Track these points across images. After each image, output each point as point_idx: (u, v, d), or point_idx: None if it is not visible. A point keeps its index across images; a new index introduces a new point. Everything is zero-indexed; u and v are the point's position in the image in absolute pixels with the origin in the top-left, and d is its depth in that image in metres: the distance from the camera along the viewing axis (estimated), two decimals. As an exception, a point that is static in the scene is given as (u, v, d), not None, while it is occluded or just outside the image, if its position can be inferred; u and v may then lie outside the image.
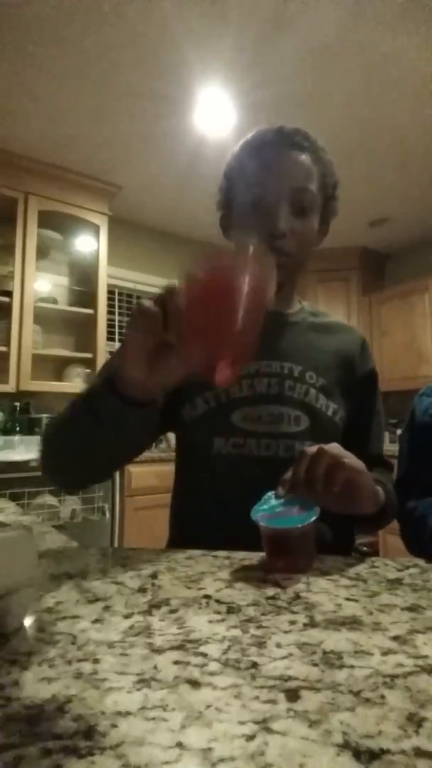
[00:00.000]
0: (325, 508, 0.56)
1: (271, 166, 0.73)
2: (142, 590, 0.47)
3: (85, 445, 0.60)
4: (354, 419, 0.81)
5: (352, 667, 0.32)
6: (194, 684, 0.30)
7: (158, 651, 0.34)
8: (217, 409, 0.74)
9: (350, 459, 0.57)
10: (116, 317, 3.22)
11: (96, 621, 0.39)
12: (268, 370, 0.75)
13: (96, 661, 0.33)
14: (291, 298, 0.86)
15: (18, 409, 2.49)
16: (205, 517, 0.72)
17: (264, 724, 0.25)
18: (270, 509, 0.55)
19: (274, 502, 0.56)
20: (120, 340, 0.76)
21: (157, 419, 0.61)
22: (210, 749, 0.23)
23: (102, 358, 2.71)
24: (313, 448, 0.56)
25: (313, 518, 0.52)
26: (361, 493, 0.59)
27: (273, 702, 0.28)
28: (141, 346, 0.50)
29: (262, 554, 0.57)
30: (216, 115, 2.20)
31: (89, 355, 2.72)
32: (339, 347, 0.82)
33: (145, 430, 0.60)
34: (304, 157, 0.74)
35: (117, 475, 2.34)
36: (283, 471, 0.58)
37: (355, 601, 0.44)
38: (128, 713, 0.26)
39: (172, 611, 0.41)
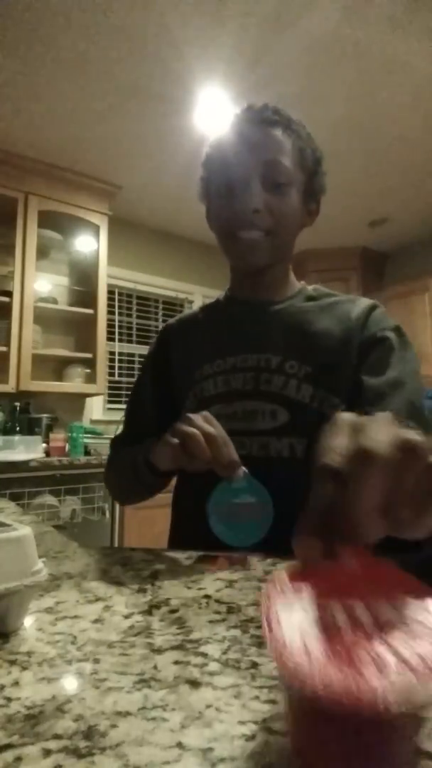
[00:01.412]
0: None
1: (239, 144, 0.71)
2: (142, 590, 0.47)
3: (132, 490, 0.81)
4: (361, 390, 0.67)
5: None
6: (194, 684, 0.30)
7: (158, 651, 0.34)
8: (196, 407, 0.73)
9: None
10: (116, 317, 3.22)
11: (96, 621, 0.39)
12: (243, 365, 0.73)
13: (96, 661, 0.33)
14: (279, 285, 0.79)
15: (18, 409, 2.48)
16: (191, 516, 0.72)
17: (264, 724, 0.25)
18: (224, 501, 0.57)
19: (229, 491, 0.57)
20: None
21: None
22: (210, 749, 0.23)
23: (102, 358, 2.71)
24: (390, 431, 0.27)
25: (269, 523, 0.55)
26: None
27: (273, 702, 0.28)
28: (179, 460, 0.60)
29: (262, 554, 0.57)
30: (216, 115, 2.20)
31: (89, 355, 2.72)
32: (337, 325, 0.73)
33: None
34: (274, 131, 0.71)
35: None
36: (258, 469, 0.58)
37: (355, 601, 0.44)
38: (128, 713, 0.26)
39: (172, 611, 0.41)
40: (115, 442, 0.90)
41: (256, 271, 0.76)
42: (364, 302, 0.76)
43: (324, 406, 0.68)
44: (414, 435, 0.26)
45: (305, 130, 0.75)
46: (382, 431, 0.27)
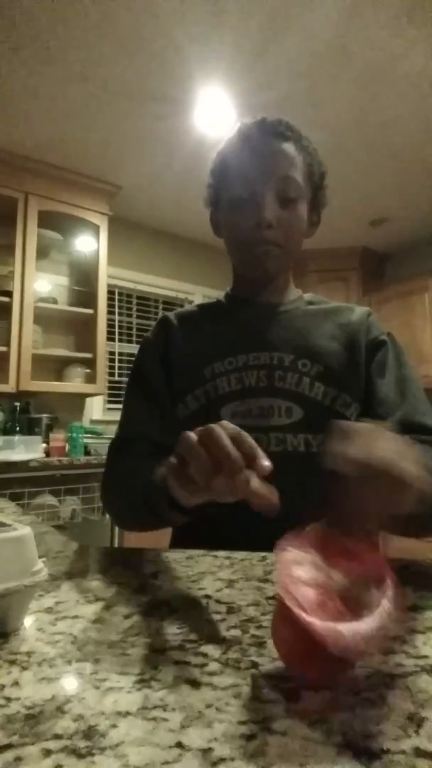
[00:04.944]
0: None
1: (254, 157, 0.73)
2: (142, 590, 0.47)
3: (142, 519, 0.64)
4: (372, 391, 0.75)
5: (352, 667, 0.32)
6: (194, 684, 0.30)
7: (158, 651, 0.34)
8: (207, 405, 0.74)
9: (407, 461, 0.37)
10: (116, 317, 3.22)
11: (96, 621, 0.39)
12: (256, 363, 0.74)
13: (96, 661, 0.33)
14: (284, 290, 0.84)
15: (18, 409, 2.48)
16: (200, 515, 0.72)
17: (264, 724, 0.25)
18: None
19: None
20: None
21: None
22: (210, 749, 0.23)
23: (102, 358, 2.71)
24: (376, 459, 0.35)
25: None
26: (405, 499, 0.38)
27: (273, 702, 0.28)
28: (183, 482, 0.45)
29: (263, 554, 0.57)
30: (216, 116, 2.20)
31: (89, 355, 2.72)
32: (339, 330, 0.78)
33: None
34: (287, 146, 0.73)
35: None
36: (276, 464, 0.49)
37: (355, 601, 0.44)
38: (128, 713, 0.26)
39: (172, 611, 0.41)
40: (114, 447, 0.80)
41: (264, 279, 0.80)
42: (361, 309, 0.83)
43: (336, 403, 0.73)
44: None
45: (312, 146, 0.78)
46: (378, 443, 0.37)
